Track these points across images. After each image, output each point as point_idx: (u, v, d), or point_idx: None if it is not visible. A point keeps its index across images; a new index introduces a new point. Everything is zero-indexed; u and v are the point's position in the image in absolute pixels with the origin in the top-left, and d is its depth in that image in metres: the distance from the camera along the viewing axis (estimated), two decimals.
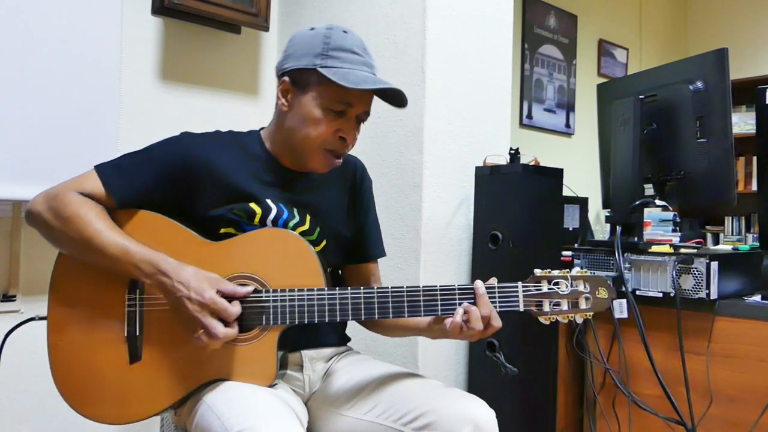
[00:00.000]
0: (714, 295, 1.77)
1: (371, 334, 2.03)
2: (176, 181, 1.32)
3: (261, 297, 1.25)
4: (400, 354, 2.02)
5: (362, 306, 1.25)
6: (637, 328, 1.82)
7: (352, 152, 1.45)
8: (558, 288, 1.29)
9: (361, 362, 1.47)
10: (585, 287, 1.30)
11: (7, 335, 1.54)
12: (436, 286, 1.26)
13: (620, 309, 1.88)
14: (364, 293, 1.25)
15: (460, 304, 1.25)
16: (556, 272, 1.30)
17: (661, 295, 1.85)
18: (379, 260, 1.57)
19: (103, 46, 1.94)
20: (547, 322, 1.29)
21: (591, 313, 1.30)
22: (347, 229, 1.49)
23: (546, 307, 1.28)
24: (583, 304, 1.29)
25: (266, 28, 2.42)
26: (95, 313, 1.29)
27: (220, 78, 2.42)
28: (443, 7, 2.05)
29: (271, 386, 1.28)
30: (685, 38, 5.31)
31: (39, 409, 1.95)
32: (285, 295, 1.25)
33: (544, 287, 1.29)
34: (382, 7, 2.15)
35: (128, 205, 1.32)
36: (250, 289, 1.24)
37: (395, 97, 1.38)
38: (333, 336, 1.51)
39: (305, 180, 1.43)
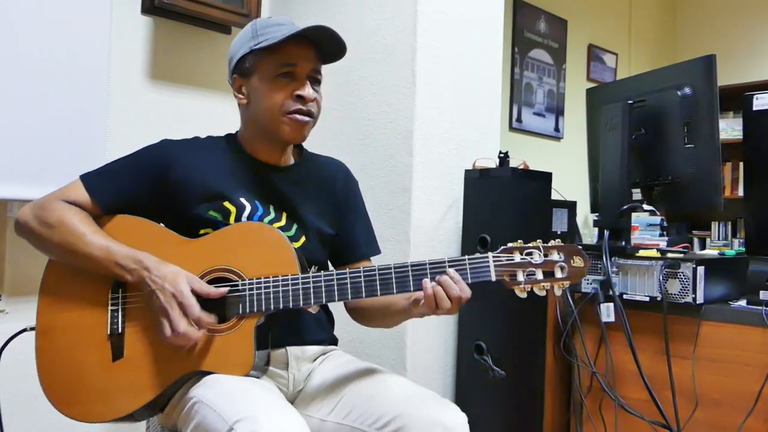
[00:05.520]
0: (700, 300, 1.79)
1: (359, 335, 2.02)
2: (155, 184, 1.37)
3: (237, 287, 1.28)
4: (388, 357, 2.01)
5: (335, 287, 1.27)
6: (624, 331, 1.83)
7: (341, 156, 1.45)
8: (531, 258, 1.27)
9: (343, 365, 1.47)
10: (559, 256, 1.28)
11: (2, 348, 1.55)
12: (407, 263, 1.28)
13: (607, 313, 1.89)
14: (337, 276, 1.28)
15: (432, 278, 1.26)
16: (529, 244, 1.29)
17: (647, 299, 1.86)
18: (374, 258, 1.57)
19: (92, 45, 1.93)
20: (523, 294, 1.27)
21: (568, 282, 1.27)
22: (328, 227, 1.51)
23: (520, 277, 1.26)
24: (558, 273, 1.27)
25: None
26: (81, 315, 1.31)
27: (210, 78, 2.41)
28: (434, 10, 2.06)
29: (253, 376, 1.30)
30: (674, 44, 5.35)
31: (22, 412, 1.93)
32: (260, 284, 1.27)
33: (517, 257, 1.27)
34: (372, 9, 2.15)
35: (112, 209, 1.37)
36: (224, 290, 1.27)
37: (332, 46, 1.41)
38: (319, 334, 1.51)
39: (284, 176, 1.47)
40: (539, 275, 1.27)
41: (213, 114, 2.41)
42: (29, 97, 1.80)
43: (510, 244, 1.28)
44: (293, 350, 1.43)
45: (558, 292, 1.28)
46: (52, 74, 1.84)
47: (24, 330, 1.48)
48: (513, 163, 2.04)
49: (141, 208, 1.37)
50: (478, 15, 2.20)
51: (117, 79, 2.12)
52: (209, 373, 1.27)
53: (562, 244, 1.29)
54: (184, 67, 2.34)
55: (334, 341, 1.56)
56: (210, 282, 1.29)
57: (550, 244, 1.28)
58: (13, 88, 1.77)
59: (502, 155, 2.05)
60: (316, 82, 1.42)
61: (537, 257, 1.27)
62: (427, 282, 1.26)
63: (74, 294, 1.32)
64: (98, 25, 1.94)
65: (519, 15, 3.92)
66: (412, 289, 1.27)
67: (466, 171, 2.09)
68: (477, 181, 2.05)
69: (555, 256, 1.28)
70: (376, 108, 2.12)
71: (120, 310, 1.31)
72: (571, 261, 1.28)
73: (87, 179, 1.38)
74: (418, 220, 2.02)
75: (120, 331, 1.30)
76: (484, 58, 2.23)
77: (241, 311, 1.27)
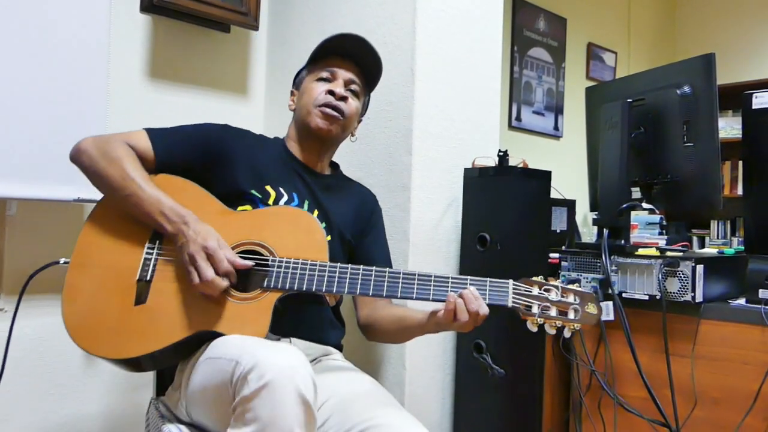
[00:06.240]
0: (699, 298, 1.79)
1: (359, 333, 2.02)
2: (209, 153, 1.50)
3: (267, 262, 1.34)
4: (387, 355, 2.01)
5: (359, 280, 1.33)
6: (623, 330, 1.83)
7: (355, 173, 1.45)
8: (548, 294, 1.33)
9: (335, 371, 1.49)
10: (574, 299, 1.33)
11: (29, 278, 1.60)
12: (430, 274, 1.34)
13: (606, 311, 1.89)
14: (363, 270, 1.35)
15: (452, 290, 1.32)
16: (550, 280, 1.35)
17: (647, 297, 1.86)
18: None
19: (91, 44, 1.93)
20: (534, 328, 1.32)
21: (578, 325, 1.32)
22: (350, 235, 1.61)
23: (534, 309, 1.31)
24: (571, 315, 1.32)
25: (256, 27, 2.41)
26: (115, 257, 1.38)
27: (209, 77, 2.40)
28: (434, 9, 2.05)
29: None
30: (673, 43, 5.35)
31: (23, 409, 1.93)
32: (289, 263, 1.34)
33: (535, 290, 1.33)
34: (372, 7, 2.15)
35: (165, 166, 1.46)
36: (249, 263, 1.33)
37: (367, 57, 1.63)
38: (326, 335, 1.53)
39: (318, 180, 1.61)
40: (553, 312, 1.32)
41: (212, 113, 2.40)
42: (28, 95, 1.80)
43: (532, 278, 1.35)
44: (297, 343, 1.45)
45: (567, 333, 1.33)
46: (51, 72, 1.84)
47: (56, 262, 1.57)
48: (512, 161, 2.04)
49: (190, 173, 1.46)
50: (478, 13, 2.20)
51: (116, 78, 2.12)
52: (220, 336, 1.30)
53: (580, 289, 1.35)
54: (182, 66, 2.33)
55: (339, 347, 1.59)
56: (242, 253, 1.35)
57: (568, 287, 1.35)
58: (12, 86, 1.77)
59: (501, 154, 2.04)
60: (353, 92, 1.62)
61: (554, 295, 1.33)
62: (452, 295, 1.32)
63: (114, 237, 1.39)
64: (97, 24, 1.94)
65: (518, 13, 3.92)
66: (431, 297, 1.33)
67: (466, 169, 2.09)
68: (476, 179, 2.05)
69: (571, 298, 1.34)
70: (375, 106, 2.12)
71: (153, 259, 1.37)
72: (585, 306, 1.34)
73: (151, 132, 1.47)
74: (418, 218, 2.02)
75: (148, 278, 1.35)
76: (484, 56, 2.23)
77: (265, 285, 1.33)
